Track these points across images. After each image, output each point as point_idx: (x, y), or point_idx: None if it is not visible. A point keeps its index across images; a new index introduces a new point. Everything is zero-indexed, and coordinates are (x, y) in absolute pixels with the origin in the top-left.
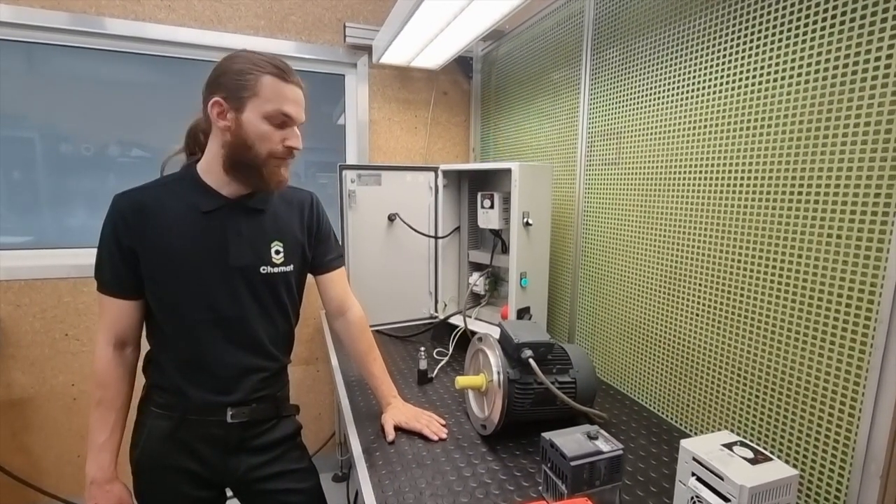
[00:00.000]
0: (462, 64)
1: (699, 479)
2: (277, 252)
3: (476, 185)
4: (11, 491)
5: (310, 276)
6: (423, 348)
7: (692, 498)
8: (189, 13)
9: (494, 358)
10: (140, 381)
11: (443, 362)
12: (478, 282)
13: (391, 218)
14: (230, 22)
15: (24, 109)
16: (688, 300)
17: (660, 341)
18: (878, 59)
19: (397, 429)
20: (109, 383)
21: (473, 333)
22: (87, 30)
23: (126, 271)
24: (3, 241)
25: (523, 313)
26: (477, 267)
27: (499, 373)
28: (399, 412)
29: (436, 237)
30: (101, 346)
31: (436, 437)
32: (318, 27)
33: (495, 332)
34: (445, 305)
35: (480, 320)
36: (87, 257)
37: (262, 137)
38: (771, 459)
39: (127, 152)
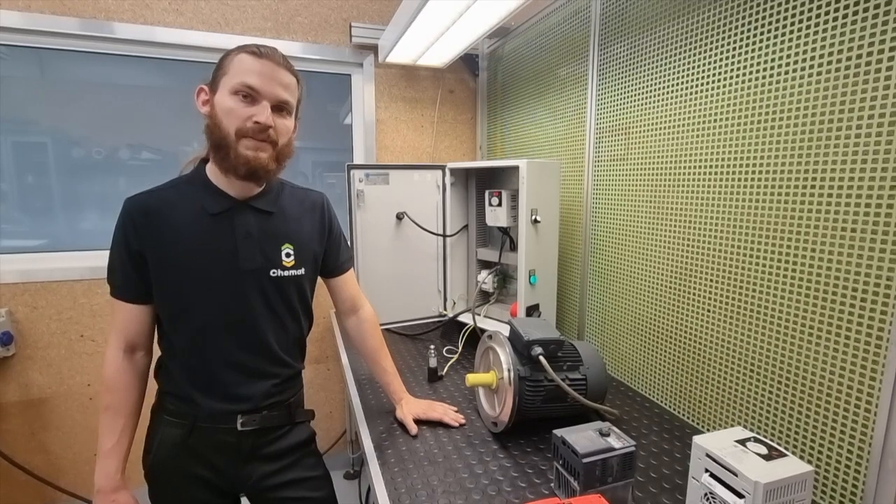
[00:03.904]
0: (468, 61)
1: (712, 476)
2: (288, 255)
3: (484, 183)
4: (31, 489)
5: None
6: (432, 346)
7: (706, 494)
8: (197, 16)
9: (505, 355)
10: (153, 386)
11: (452, 360)
12: (486, 279)
13: (399, 217)
14: (237, 24)
15: (37, 114)
16: (699, 296)
17: (671, 337)
18: (892, 49)
19: (417, 421)
20: (118, 388)
21: (483, 331)
22: (97, 34)
23: (136, 275)
24: (19, 245)
25: (532, 311)
26: (485, 265)
27: (509, 370)
28: (414, 405)
29: (444, 235)
30: (112, 351)
31: (456, 424)
32: (324, 28)
33: (505, 330)
34: (454, 303)
35: (490, 318)
36: (100, 259)
37: (227, 112)
38: (785, 455)
39: (137, 155)
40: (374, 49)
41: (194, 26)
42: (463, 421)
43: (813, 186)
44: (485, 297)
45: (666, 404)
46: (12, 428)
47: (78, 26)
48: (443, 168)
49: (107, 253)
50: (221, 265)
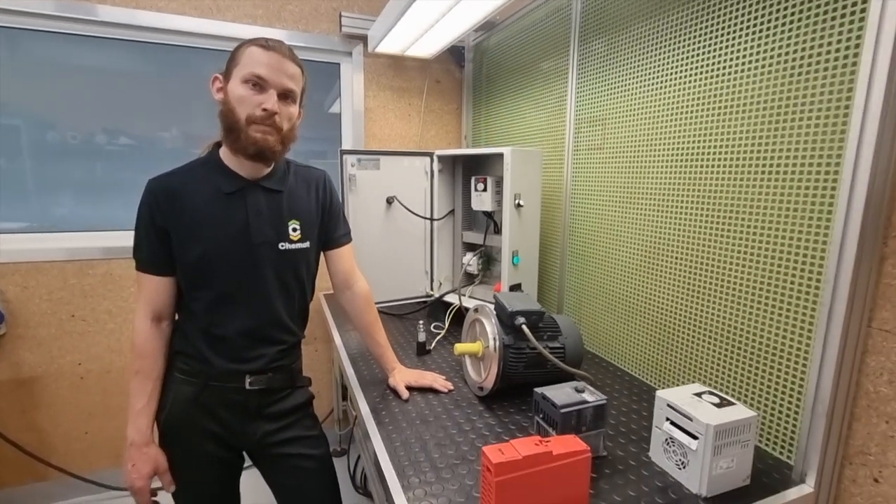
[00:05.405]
0: (454, 53)
1: (672, 423)
2: (295, 230)
3: (469, 170)
4: (23, 465)
5: None
6: (421, 322)
7: (666, 440)
8: (189, 2)
9: (490, 326)
10: None
11: (439, 336)
12: (471, 261)
13: (389, 201)
14: (229, 11)
15: (7, 96)
16: (666, 273)
17: (640, 311)
18: (828, 52)
19: (409, 388)
20: (147, 354)
21: (468, 310)
22: (79, 17)
23: (161, 250)
24: (6, 227)
25: (515, 289)
26: (470, 247)
27: (494, 339)
28: (406, 374)
29: (431, 219)
30: (140, 320)
31: (445, 390)
32: (315, 17)
33: (490, 306)
34: (440, 284)
35: (474, 298)
36: (91, 240)
37: (239, 100)
38: (734, 404)
39: (114, 140)
40: (363, 39)
41: (186, 12)
42: (451, 387)
43: (765, 173)
44: (469, 278)
45: (635, 372)
46: (3, 406)
47: (55, 7)
48: (431, 155)
49: (97, 235)
50: (236, 239)
